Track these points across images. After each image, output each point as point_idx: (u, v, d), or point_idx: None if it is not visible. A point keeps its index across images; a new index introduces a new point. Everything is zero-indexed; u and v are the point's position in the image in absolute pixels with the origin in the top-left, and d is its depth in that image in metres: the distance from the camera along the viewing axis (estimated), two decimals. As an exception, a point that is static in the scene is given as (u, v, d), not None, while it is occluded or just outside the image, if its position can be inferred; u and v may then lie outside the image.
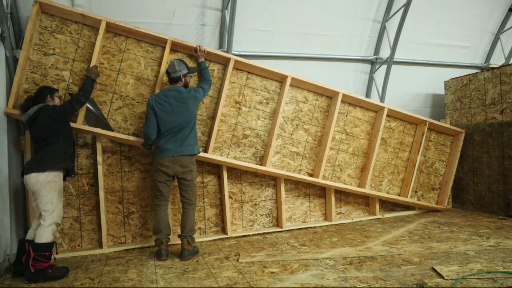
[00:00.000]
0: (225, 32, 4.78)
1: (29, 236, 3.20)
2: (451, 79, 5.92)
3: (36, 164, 3.11)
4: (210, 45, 4.88)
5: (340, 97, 4.66)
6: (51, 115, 3.21)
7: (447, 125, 5.47)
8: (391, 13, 5.61)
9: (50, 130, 3.20)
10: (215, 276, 3.04)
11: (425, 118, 5.19)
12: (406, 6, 5.40)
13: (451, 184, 5.51)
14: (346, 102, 4.89)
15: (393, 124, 5.18)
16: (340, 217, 5.08)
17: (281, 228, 4.59)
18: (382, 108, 4.95)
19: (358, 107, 4.97)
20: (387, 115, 5.04)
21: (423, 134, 5.17)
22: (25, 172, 3.10)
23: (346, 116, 4.92)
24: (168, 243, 3.65)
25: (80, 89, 3.44)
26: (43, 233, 3.06)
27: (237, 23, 4.72)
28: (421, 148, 5.19)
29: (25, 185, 3.18)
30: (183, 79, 3.75)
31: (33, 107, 3.27)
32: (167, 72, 3.75)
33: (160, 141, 3.61)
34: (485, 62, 6.68)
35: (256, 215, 4.62)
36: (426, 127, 5.18)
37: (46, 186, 3.09)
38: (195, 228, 3.72)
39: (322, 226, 4.77)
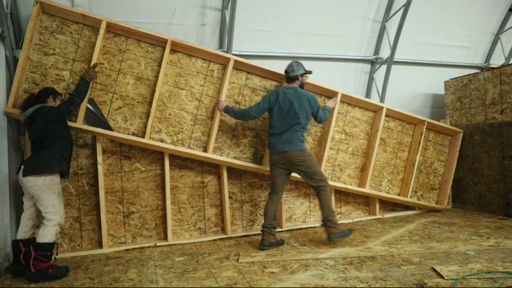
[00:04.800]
0: (225, 32, 4.78)
1: (19, 236, 3.19)
2: (451, 79, 5.92)
3: (33, 167, 3.09)
4: (210, 45, 4.89)
5: (339, 97, 4.66)
6: (48, 117, 3.18)
7: (445, 125, 5.47)
8: (391, 13, 5.61)
9: (46, 132, 3.18)
10: (215, 276, 3.04)
11: (423, 118, 5.19)
12: (406, 6, 5.39)
13: (450, 184, 5.51)
14: (345, 102, 4.89)
15: (392, 124, 5.19)
16: (340, 217, 5.08)
17: (281, 228, 4.59)
18: (381, 108, 4.96)
19: (357, 107, 4.98)
20: (386, 115, 5.04)
21: (421, 134, 5.17)
22: (23, 174, 3.09)
23: (345, 116, 4.92)
24: (274, 234, 3.83)
25: (75, 89, 3.43)
26: (47, 233, 3.06)
27: (237, 23, 4.72)
28: (420, 148, 5.19)
29: (20, 183, 3.18)
30: (300, 79, 3.96)
31: (31, 107, 3.25)
32: (286, 71, 4.01)
33: (272, 140, 3.86)
34: (485, 62, 6.68)
35: (256, 215, 4.62)
36: (425, 127, 5.18)
37: (45, 190, 3.09)
38: (332, 211, 3.81)
39: (322, 226, 4.77)
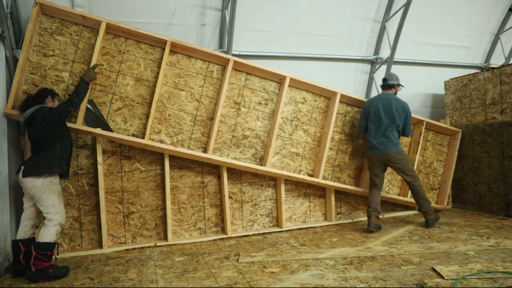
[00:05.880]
0: (225, 32, 4.79)
1: (19, 236, 3.19)
2: (451, 79, 5.92)
3: (33, 168, 3.10)
4: (210, 45, 4.89)
5: (338, 98, 4.67)
6: (47, 118, 3.18)
7: (444, 125, 5.47)
8: (391, 13, 5.61)
9: (46, 133, 3.18)
10: (215, 276, 3.04)
11: (422, 118, 5.19)
12: (406, 6, 5.39)
13: (450, 183, 5.51)
14: (344, 103, 4.89)
15: (392, 124, 5.18)
16: (340, 217, 5.08)
17: (281, 228, 4.59)
18: (381, 108, 4.96)
19: (356, 107, 4.98)
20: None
21: (420, 134, 5.17)
22: (23, 175, 3.10)
23: (345, 116, 4.92)
24: (378, 217, 4.35)
25: (74, 90, 3.43)
26: (48, 232, 3.07)
27: (237, 23, 4.72)
28: (419, 148, 5.19)
29: (20, 183, 3.19)
30: (396, 88, 4.59)
31: (30, 108, 3.24)
32: (384, 79, 4.63)
33: (372, 141, 4.42)
34: (485, 62, 6.67)
35: (256, 215, 4.62)
36: (423, 127, 5.18)
37: (45, 190, 3.10)
38: (428, 201, 4.45)
39: (322, 226, 4.77)
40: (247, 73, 4.41)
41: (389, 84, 4.58)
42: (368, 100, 4.61)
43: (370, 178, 4.57)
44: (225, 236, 4.32)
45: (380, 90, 5.87)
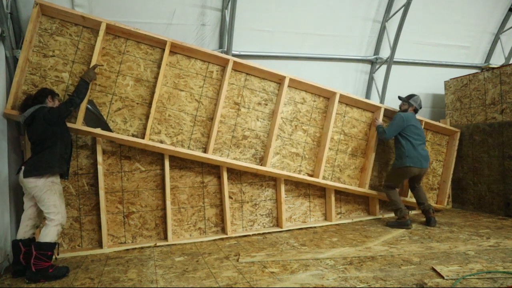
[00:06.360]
0: (225, 32, 4.79)
1: (19, 236, 3.19)
2: (451, 79, 5.92)
3: (34, 169, 3.09)
4: (210, 45, 4.89)
5: (337, 98, 4.67)
6: (47, 118, 3.18)
7: (443, 125, 5.47)
8: (391, 13, 5.61)
9: (46, 133, 3.18)
10: (215, 276, 3.04)
11: (421, 118, 5.18)
12: (406, 6, 5.39)
13: (449, 183, 5.51)
14: (344, 103, 4.90)
15: (391, 124, 5.18)
16: (340, 217, 5.08)
17: (281, 228, 4.60)
18: (379, 108, 4.97)
19: (355, 108, 4.98)
20: (384, 115, 5.04)
21: (420, 134, 5.17)
22: (24, 175, 3.09)
23: (344, 116, 4.93)
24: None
25: (74, 90, 3.43)
26: (49, 233, 3.07)
27: (237, 23, 4.72)
28: (420, 148, 5.19)
29: (21, 183, 3.19)
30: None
31: (30, 108, 3.24)
32: (420, 106, 4.88)
33: (412, 154, 4.62)
34: (485, 62, 6.68)
35: (256, 215, 4.63)
36: (422, 127, 5.17)
37: (47, 190, 3.10)
38: (427, 201, 4.81)
39: (322, 226, 4.77)
40: (247, 74, 4.41)
41: (417, 109, 4.87)
42: (404, 115, 4.69)
43: (391, 184, 4.74)
44: (225, 236, 4.32)
45: (381, 91, 5.91)
